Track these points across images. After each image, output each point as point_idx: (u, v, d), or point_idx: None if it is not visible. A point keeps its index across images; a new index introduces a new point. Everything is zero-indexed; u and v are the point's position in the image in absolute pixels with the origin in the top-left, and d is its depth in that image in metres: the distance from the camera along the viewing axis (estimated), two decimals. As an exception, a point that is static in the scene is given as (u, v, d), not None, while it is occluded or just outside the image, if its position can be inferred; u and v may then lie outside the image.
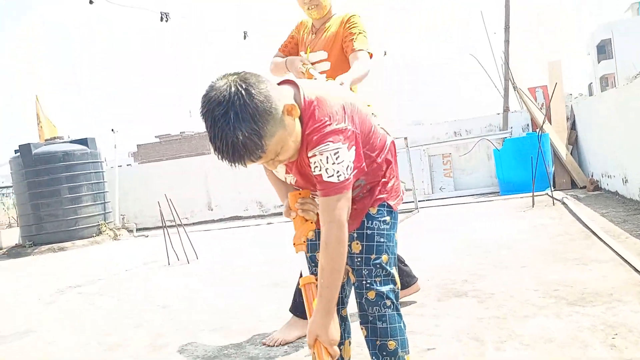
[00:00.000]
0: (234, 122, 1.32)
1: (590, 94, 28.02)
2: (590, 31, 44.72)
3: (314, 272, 1.69)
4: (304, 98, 1.51)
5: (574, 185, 7.71)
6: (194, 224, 10.04)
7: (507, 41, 8.85)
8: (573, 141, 8.26)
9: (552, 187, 6.90)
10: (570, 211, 5.34)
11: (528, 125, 8.71)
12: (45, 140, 9.75)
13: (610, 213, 5.00)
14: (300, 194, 1.71)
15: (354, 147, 1.52)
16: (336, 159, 1.47)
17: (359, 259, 1.70)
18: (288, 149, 1.48)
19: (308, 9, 2.74)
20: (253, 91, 1.35)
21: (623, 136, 5.73)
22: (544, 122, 7.12)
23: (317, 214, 1.63)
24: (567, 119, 8.40)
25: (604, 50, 42.67)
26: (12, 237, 10.18)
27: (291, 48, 2.93)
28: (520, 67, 9.03)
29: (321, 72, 2.60)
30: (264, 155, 1.42)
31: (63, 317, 3.97)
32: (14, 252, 8.94)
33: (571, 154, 8.07)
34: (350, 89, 2.36)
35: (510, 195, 7.55)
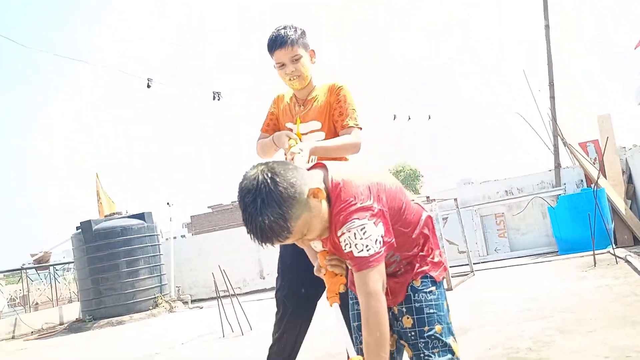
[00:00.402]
0: (260, 207, 1.46)
1: (646, 144, 27.05)
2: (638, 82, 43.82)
3: (360, 342, 1.68)
4: (331, 181, 1.61)
5: (636, 241, 7.36)
6: (246, 293, 10.07)
7: (552, 97, 8.80)
8: (631, 195, 7.96)
9: (613, 245, 6.62)
10: (636, 269, 5.08)
11: (582, 180, 8.48)
12: (105, 215, 10.18)
13: (679, 270, 4.73)
14: (328, 251, 1.78)
15: (381, 223, 1.57)
16: (363, 234, 1.53)
17: (413, 333, 1.69)
18: (315, 228, 1.58)
19: (290, 79, 2.60)
20: (278, 179, 1.49)
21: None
22: (598, 177, 6.93)
23: (346, 269, 1.73)
24: (623, 172, 8.14)
25: (655, 99, 41.59)
26: (73, 311, 10.48)
27: (274, 125, 2.82)
28: (568, 122, 8.91)
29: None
30: (290, 236, 1.53)
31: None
32: (75, 326, 9.16)
33: (630, 208, 7.76)
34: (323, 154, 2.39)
35: (569, 254, 7.26)
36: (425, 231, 1.79)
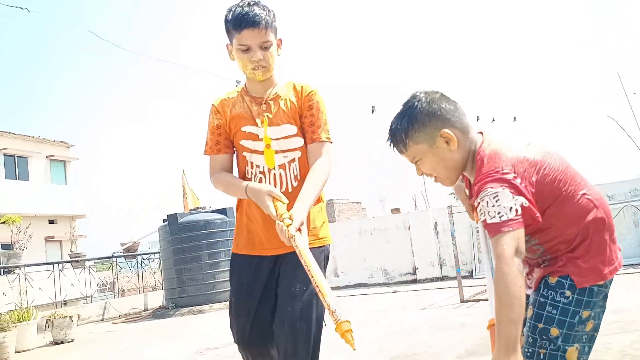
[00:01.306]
0: (401, 116, 1.69)
1: None
2: None
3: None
4: (480, 148, 1.65)
5: None
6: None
7: (650, 100, 8.25)
8: None
9: None
10: None
11: (681, 189, 7.90)
12: (190, 210, 10.67)
13: None
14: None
15: (521, 197, 1.51)
16: (495, 201, 1.51)
17: (527, 325, 1.61)
18: (427, 164, 1.70)
19: (254, 69, 2.06)
20: (426, 106, 1.66)
21: None
22: (701, 186, 6.44)
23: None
24: None
25: None
26: (157, 299, 11.07)
27: (226, 142, 2.19)
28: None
29: (292, 149, 2.13)
30: (404, 152, 1.71)
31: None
32: (158, 313, 9.67)
33: None
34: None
35: (664, 266, 6.79)
36: (588, 231, 1.61)
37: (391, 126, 1.72)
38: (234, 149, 2.20)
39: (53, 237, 22.79)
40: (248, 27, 1.99)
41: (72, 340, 7.50)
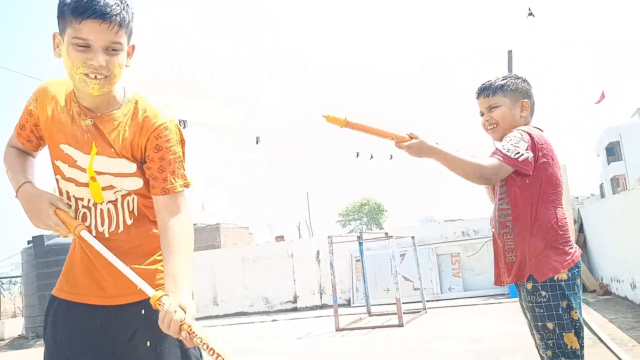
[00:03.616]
0: (502, 77, 2.15)
1: (602, 195, 28.09)
2: (598, 134, 45.62)
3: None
4: (529, 124, 2.11)
5: (584, 289, 7.60)
6: (198, 318, 9.89)
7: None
8: (581, 244, 8.24)
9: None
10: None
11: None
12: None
13: (619, 319, 4.92)
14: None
15: (531, 154, 1.93)
16: (512, 143, 1.94)
17: (535, 329, 1.97)
18: (499, 112, 2.11)
19: (94, 77, 1.51)
20: (523, 82, 2.15)
21: (630, 241, 5.75)
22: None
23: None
24: (575, 221, 8.44)
25: (612, 152, 43.27)
26: (16, 327, 10.08)
27: (27, 138, 1.72)
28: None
29: (128, 193, 1.64)
30: (489, 97, 2.12)
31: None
32: (16, 343, 8.82)
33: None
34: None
35: (516, 297, 7.42)
36: (551, 233, 1.96)
37: (488, 80, 2.16)
38: (39, 150, 1.76)
39: None
40: (94, 17, 1.47)
41: None
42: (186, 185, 1.63)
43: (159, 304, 1.45)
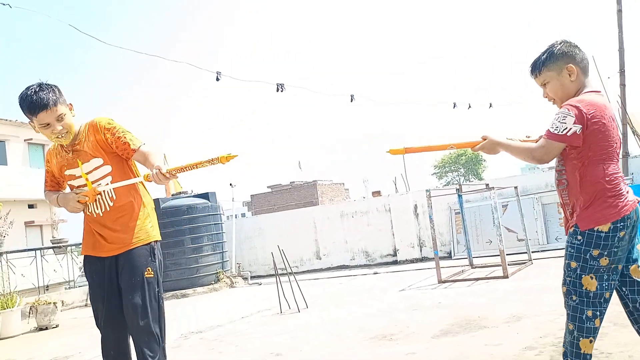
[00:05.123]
0: (543, 52, 2.27)
1: None
2: None
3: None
4: (585, 93, 2.19)
5: None
6: (303, 272, 10.35)
7: (622, 85, 8.46)
8: None
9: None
10: None
11: (652, 170, 8.15)
12: (172, 195, 10.69)
13: None
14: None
15: (579, 126, 2.06)
16: (559, 120, 2.10)
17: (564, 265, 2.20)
18: (551, 87, 2.25)
19: (58, 137, 2.64)
20: (561, 47, 2.23)
21: None
22: (669, 168, 6.66)
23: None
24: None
25: None
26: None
27: (51, 181, 2.89)
28: (639, 110, 8.54)
29: (104, 176, 2.70)
30: (538, 77, 2.28)
31: (188, 360, 4.31)
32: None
33: None
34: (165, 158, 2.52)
35: (634, 246, 7.04)
36: (598, 187, 2.10)
37: (534, 60, 2.29)
38: (63, 185, 2.90)
39: (33, 222, 22.56)
40: (41, 111, 2.55)
41: (57, 326, 7.55)
42: (143, 143, 2.65)
43: (148, 175, 2.51)
